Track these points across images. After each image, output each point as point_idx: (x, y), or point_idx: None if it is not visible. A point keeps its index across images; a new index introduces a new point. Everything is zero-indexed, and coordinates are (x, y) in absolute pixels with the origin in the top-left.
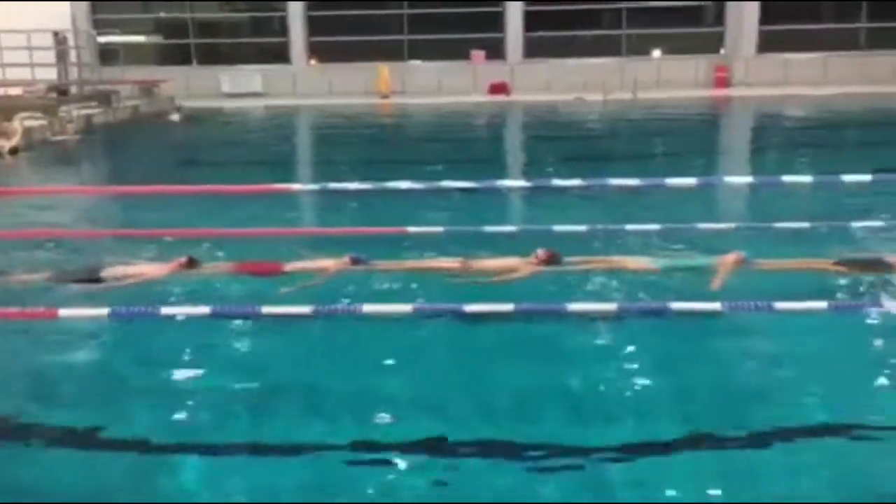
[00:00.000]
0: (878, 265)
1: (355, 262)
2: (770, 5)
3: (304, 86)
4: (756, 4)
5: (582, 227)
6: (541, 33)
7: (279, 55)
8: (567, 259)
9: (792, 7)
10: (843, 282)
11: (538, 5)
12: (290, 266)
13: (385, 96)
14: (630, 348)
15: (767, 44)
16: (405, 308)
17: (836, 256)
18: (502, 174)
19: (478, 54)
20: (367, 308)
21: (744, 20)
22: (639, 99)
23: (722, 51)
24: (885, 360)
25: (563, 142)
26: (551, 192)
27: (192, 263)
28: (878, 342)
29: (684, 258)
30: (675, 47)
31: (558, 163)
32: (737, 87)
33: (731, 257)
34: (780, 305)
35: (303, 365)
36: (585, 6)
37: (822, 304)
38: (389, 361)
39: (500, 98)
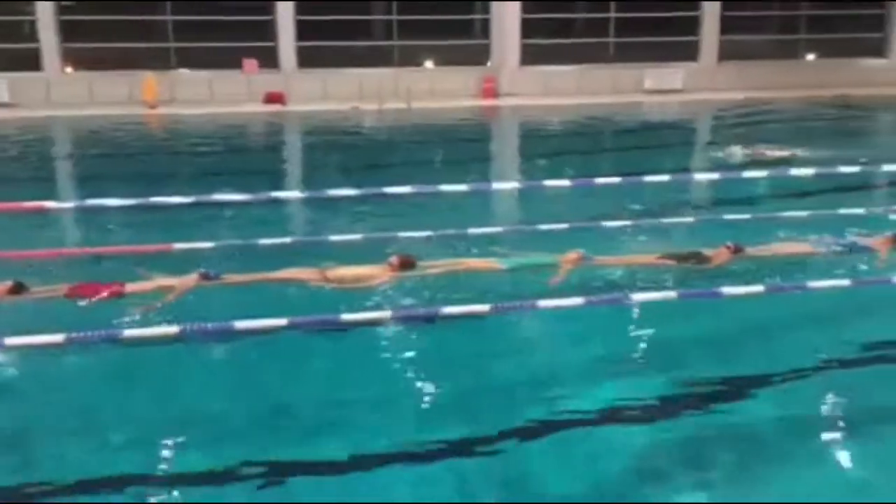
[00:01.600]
0: (696, 257)
1: (205, 277)
2: (531, 20)
3: (59, 95)
4: (517, 19)
5: (357, 236)
6: (314, 42)
7: (31, 62)
8: (420, 263)
9: (551, 22)
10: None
11: (310, 15)
12: (132, 286)
13: (152, 106)
14: (407, 353)
15: (530, 56)
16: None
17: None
18: (279, 185)
19: (250, 63)
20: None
21: (506, 34)
22: (413, 108)
23: (489, 63)
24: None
25: (341, 151)
26: (330, 201)
27: (18, 289)
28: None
29: (528, 258)
30: (447, 58)
31: (336, 172)
32: (503, 97)
33: (572, 255)
34: (542, 303)
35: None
36: (357, 17)
37: (578, 301)
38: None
39: (276, 108)
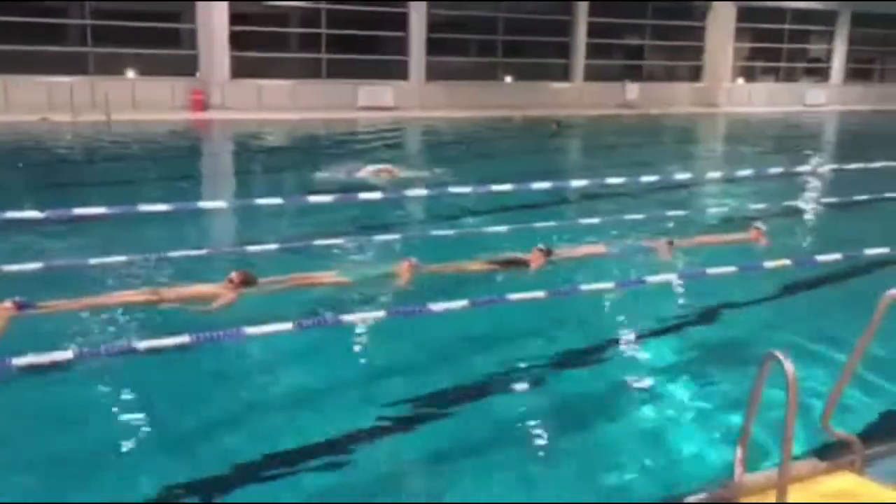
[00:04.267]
0: (517, 262)
1: (21, 306)
2: (242, 32)
3: None
4: (225, 31)
5: (38, 265)
6: None
7: None
8: (262, 280)
9: (263, 36)
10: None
11: None
12: None
13: None
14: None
15: (242, 69)
16: None
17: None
18: None
19: None
20: None
21: (215, 45)
22: (113, 121)
23: (198, 74)
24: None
25: (25, 168)
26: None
27: None
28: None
29: (368, 268)
30: (151, 68)
31: (17, 192)
32: (214, 110)
33: (405, 264)
34: (251, 330)
35: None
36: (45, 20)
37: (287, 326)
38: None
39: None
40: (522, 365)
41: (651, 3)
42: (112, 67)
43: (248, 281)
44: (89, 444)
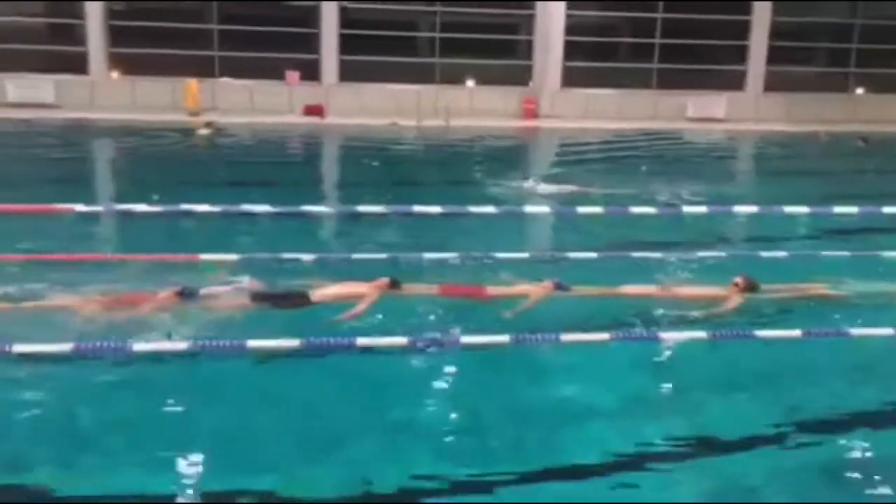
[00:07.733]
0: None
1: (559, 287)
2: (574, 42)
3: (103, 99)
4: (560, 41)
5: (382, 255)
6: (356, 57)
7: (76, 65)
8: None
9: (593, 45)
10: None
11: (354, 29)
12: (494, 291)
13: (194, 113)
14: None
15: (572, 79)
16: None
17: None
18: (316, 199)
19: (292, 74)
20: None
21: (549, 55)
22: (451, 126)
23: (530, 84)
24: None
25: (379, 166)
26: (373, 217)
27: (394, 284)
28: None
29: (869, 285)
30: (488, 78)
31: (374, 187)
32: (543, 118)
33: None
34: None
35: None
36: (401, 33)
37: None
38: None
39: (315, 120)
40: None
41: None
42: (454, 77)
43: (752, 287)
44: None
